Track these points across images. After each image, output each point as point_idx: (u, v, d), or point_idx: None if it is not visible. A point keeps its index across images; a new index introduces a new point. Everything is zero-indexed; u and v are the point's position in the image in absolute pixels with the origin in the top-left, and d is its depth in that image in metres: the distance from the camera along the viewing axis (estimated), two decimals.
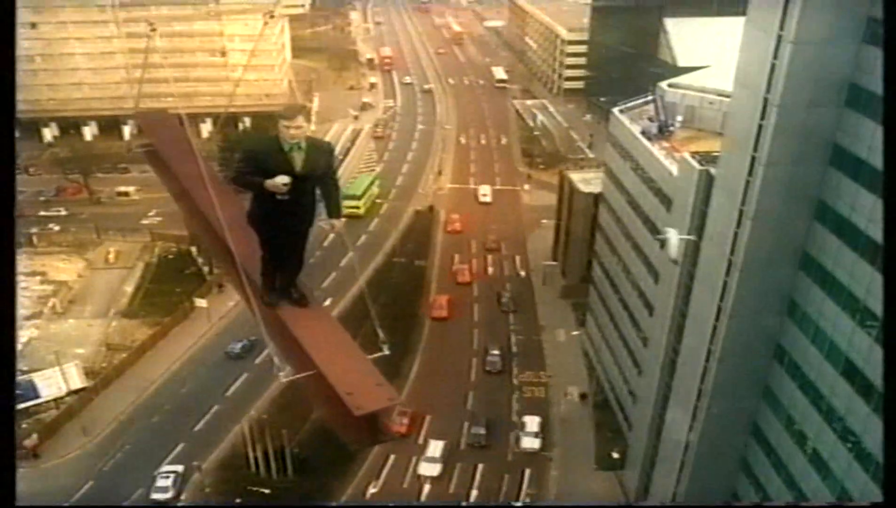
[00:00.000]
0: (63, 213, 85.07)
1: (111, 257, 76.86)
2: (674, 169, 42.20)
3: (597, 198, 60.62)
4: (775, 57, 30.38)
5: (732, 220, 34.07)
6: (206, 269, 73.07)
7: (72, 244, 78.54)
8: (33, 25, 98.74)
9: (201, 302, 66.39)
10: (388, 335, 7.85)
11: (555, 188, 77.40)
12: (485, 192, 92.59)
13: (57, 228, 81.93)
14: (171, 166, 10.02)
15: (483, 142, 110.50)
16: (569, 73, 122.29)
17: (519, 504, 49.89)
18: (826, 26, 29.23)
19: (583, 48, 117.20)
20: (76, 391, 57.02)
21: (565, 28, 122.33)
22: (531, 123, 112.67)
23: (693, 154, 40.28)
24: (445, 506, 49.68)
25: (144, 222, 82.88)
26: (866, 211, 28.36)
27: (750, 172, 32.40)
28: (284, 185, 7.16)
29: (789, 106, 30.36)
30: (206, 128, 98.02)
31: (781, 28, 30.00)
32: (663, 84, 51.00)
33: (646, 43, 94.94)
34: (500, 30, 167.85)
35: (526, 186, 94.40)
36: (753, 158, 32.09)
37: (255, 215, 7.66)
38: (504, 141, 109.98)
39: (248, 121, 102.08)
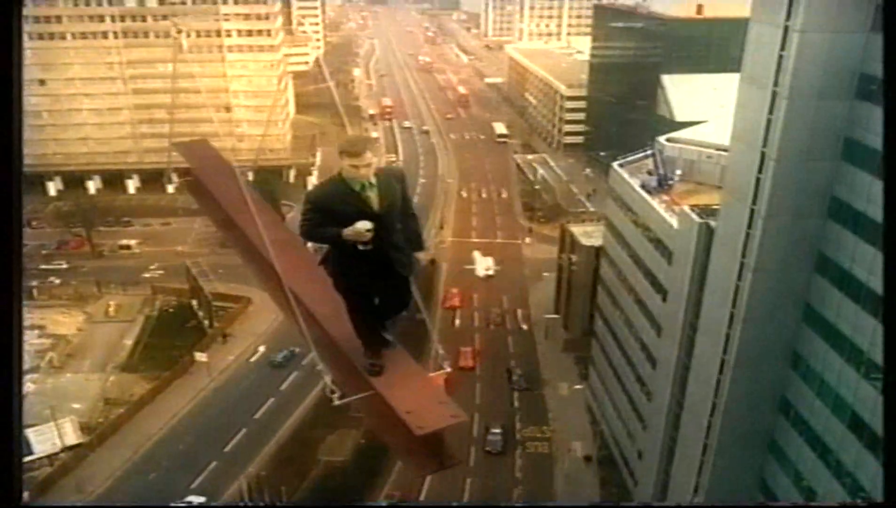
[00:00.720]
0: (64, 266, 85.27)
1: (111, 310, 76.71)
2: (674, 222, 42.41)
3: (598, 251, 60.75)
4: (770, 112, 30.88)
5: (734, 272, 34.12)
6: (206, 322, 72.87)
7: (72, 298, 78.47)
8: (42, 82, 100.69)
9: (201, 356, 65.96)
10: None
11: (556, 241, 77.64)
12: (487, 265, 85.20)
13: (58, 281, 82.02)
14: (214, 194, 9.45)
15: (484, 196, 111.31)
16: (568, 128, 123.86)
17: (519, 504, 48.67)
18: (820, 81, 29.74)
19: (582, 104, 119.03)
20: (71, 447, 56.27)
21: (564, 84, 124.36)
22: (532, 177, 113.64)
23: (693, 207, 40.54)
24: (445, 506, 48.46)
25: (146, 275, 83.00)
26: (867, 263, 28.40)
27: (750, 225, 32.59)
28: (368, 231, 6.03)
29: (786, 159, 30.72)
30: None
31: (776, 82, 30.56)
32: (662, 138, 51.61)
33: (644, 98, 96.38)
34: (500, 86, 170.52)
35: (527, 240, 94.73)
36: (753, 211, 32.32)
37: (337, 275, 6.55)
38: (505, 195, 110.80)
39: (250, 176, 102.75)
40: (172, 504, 48.01)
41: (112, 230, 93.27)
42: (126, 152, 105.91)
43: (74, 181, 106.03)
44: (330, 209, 6.15)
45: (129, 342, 71.33)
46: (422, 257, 6.85)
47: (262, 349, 69.22)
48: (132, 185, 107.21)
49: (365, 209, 6.11)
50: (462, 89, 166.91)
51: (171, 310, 76.98)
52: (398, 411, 6.24)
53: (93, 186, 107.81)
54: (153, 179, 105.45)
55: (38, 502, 50.73)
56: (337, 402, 6.44)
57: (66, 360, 68.45)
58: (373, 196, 6.17)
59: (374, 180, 6.18)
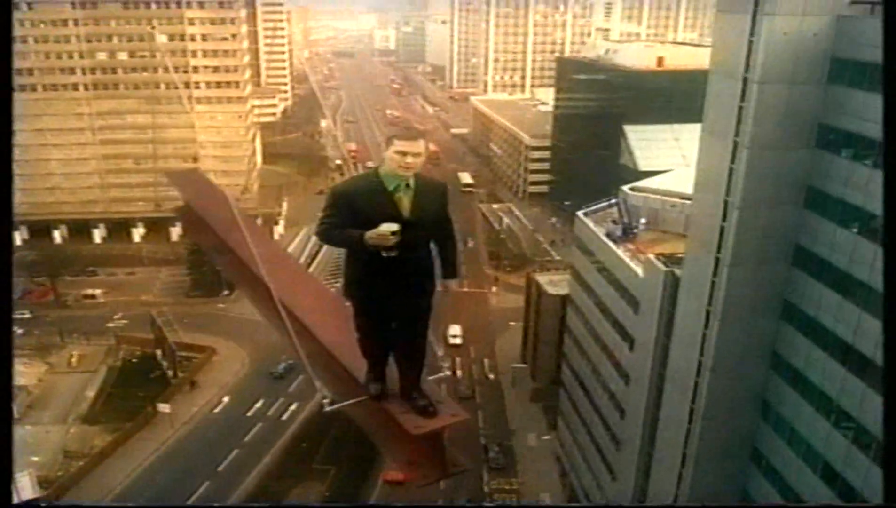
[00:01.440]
0: (27, 316, 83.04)
1: (74, 360, 74.80)
2: (639, 270, 42.73)
3: (564, 300, 60.90)
4: (732, 161, 31.49)
5: (700, 321, 34.33)
6: (170, 373, 71.31)
7: (34, 348, 76.40)
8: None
9: (164, 407, 64.36)
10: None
11: (522, 290, 77.77)
12: (455, 333, 79.64)
13: (20, 331, 79.83)
14: (206, 218, 9.25)
15: None
16: (533, 177, 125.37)
17: (519, 504, 47.63)
18: (779, 131, 30.48)
19: (546, 154, 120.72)
20: (28, 502, 54.02)
21: (529, 135, 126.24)
22: (498, 226, 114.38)
23: (658, 256, 40.93)
24: (446, 506, 47.28)
25: (110, 324, 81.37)
26: (832, 310, 28.79)
27: (715, 273, 32.93)
28: (393, 234, 5.35)
29: (749, 207, 31.25)
30: (176, 232, 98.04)
31: (737, 133, 31.25)
32: (626, 188, 52.33)
33: (607, 148, 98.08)
34: (465, 136, 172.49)
35: (493, 289, 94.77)
36: (718, 259, 32.69)
37: (352, 282, 5.83)
38: (471, 244, 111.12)
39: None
40: (172, 504, 46.45)
41: (77, 280, 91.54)
42: (93, 202, 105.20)
43: (40, 230, 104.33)
44: (355, 208, 5.48)
45: (91, 394, 69.42)
46: (453, 285, 6.17)
47: (226, 399, 67.85)
48: (98, 234, 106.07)
49: (394, 213, 5.45)
50: (431, 145, 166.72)
51: (134, 360, 75.32)
52: (393, 412, 5.83)
53: (59, 235, 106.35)
54: (120, 228, 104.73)
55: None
56: (328, 408, 6.07)
57: (26, 412, 66.38)
58: (406, 200, 5.53)
59: (411, 183, 5.56)
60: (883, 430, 3.27)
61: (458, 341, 79.03)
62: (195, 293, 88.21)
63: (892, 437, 3.21)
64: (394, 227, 5.35)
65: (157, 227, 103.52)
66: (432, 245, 5.93)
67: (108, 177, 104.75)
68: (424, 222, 5.63)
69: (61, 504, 45.09)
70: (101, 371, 73.02)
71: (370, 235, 5.34)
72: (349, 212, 5.48)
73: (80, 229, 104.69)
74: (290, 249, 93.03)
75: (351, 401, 6.09)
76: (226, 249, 8.60)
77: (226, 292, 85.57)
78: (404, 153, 5.44)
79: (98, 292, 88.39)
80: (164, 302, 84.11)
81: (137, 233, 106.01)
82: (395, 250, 5.45)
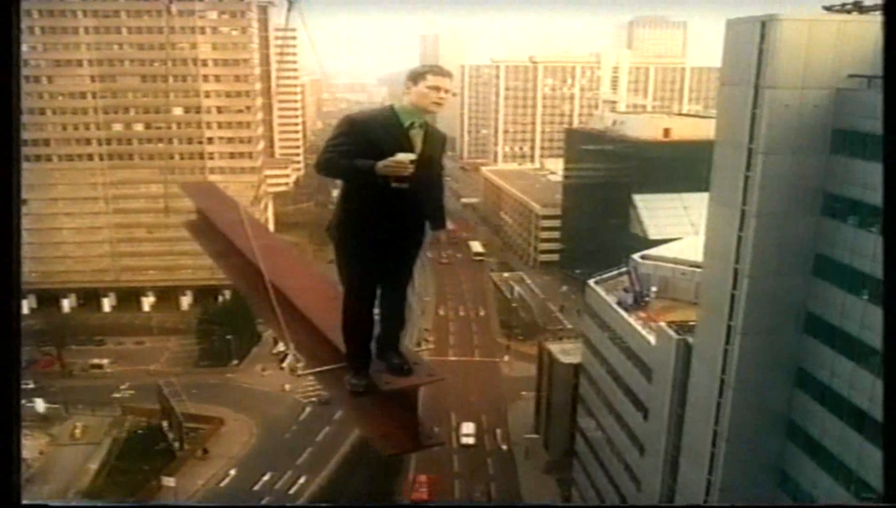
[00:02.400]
0: (31, 386, 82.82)
1: (77, 432, 74.00)
2: (652, 339, 42.47)
3: (577, 369, 60.35)
4: (741, 229, 31.66)
5: (714, 389, 33.94)
6: (176, 444, 70.46)
7: (36, 419, 75.78)
8: (24, 202, 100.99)
9: (169, 481, 63.31)
10: None
11: (534, 359, 77.09)
12: (467, 431, 72.28)
13: (23, 401, 79.38)
14: (215, 222, 9.35)
15: (462, 313, 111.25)
16: (544, 246, 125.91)
17: (519, 504, 45.84)
18: (786, 200, 30.72)
19: (556, 222, 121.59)
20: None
21: (539, 204, 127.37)
22: (509, 295, 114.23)
23: (670, 324, 40.75)
24: (446, 506, 45.53)
25: (116, 395, 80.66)
26: (846, 377, 28.45)
27: (727, 341, 32.71)
28: (412, 162, 5.23)
29: (759, 275, 31.26)
30: (187, 301, 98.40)
31: (744, 201, 31.51)
32: (636, 256, 52.47)
33: (617, 217, 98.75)
34: (476, 205, 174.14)
35: (505, 358, 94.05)
36: (730, 327, 32.52)
37: (348, 220, 5.62)
38: (482, 313, 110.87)
39: (227, 294, 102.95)
40: (172, 504, 45.25)
41: (84, 349, 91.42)
42: (103, 271, 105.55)
43: (49, 299, 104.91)
44: (369, 138, 5.33)
45: (94, 466, 68.41)
46: (443, 236, 6.08)
47: (233, 472, 66.83)
48: (108, 303, 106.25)
49: (407, 148, 5.32)
50: (449, 224, 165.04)
51: (140, 432, 74.45)
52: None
53: (67, 303, 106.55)
54: (130, 297, 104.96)
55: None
56: (300, 373, 5.78)
57: (25, 485, 64.87)
58: (418, 139, 5.45)
59: (423, 124, 5.51)
60: (883, 430, 3.30)
61: (470, 440, 71.77)
62: (204, 363, 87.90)
63: (893, 437, 3.23)
64: (412, 156, 5.27)
65: (167, 296, 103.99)
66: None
67: (119, 246, 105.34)
68: (431, 163, 5.58)
69: (61, 505, 44.28)
70: (105, 443, 72.05)
71: (387, 162, 5.16)
72: (362, 141, 5.32)
73: (89, 297, 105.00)
74: None
75: (323, 368, 5.93)
76: (233, 251, 8.63)
77: (234, 362, 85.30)
78: (438, 88, 5.40)
79: (105, 361, 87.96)
80: (172, 372, 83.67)
81: (147, 302, 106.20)
82: (406, 182, 5.29)
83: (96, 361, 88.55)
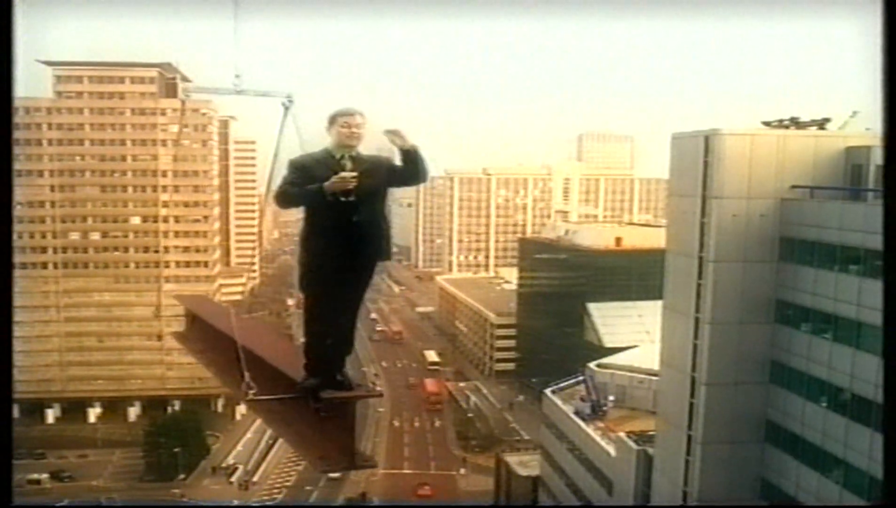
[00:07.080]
0: None
1: None
2: (611, 450, 41.62)
3: (535, 482, 58.67)
4: (696, 337, 31.70)
5: (677, 501, 33.03)
6: None
7: None
8: None
9: None
10: None
11: (491, 472, 74.98)
12: None
13: None
14: (210, 322, 9.62)
15: (417, 425, 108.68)
16: (499, 355, 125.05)
17: (519, 504, 42.28)
18: (739, 308, 30.99)
19: (512, 331, 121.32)
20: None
21: (494, 313, 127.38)
22: (465, 405, 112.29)
23: (629, 434, 40.08)
24: (446, 506, 41.93)
25: None
26: (812, 489, 27.96)
27: (688, 452, 32.12)
28: (353, 178, 6.01)
29: (717, 384, 31.08)
30: (135, 411, 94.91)
31: (697, 309, 31.70)
32: (592, 364, 52.19)
33: (571, 326, 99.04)
34: (430, 315, 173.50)
35: (462, 471, 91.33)
36: (690, 437, 32.00)
37: (310, 236, 6.46)
38: (438, 423, 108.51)
39: (177, 404, 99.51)
40: (172, 504, 41.37)
41: (22, 463, 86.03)
42: (49, 381, 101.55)
43: None
44: (310, 173, 6.23)
45: None
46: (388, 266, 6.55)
47: None
48: (52, 414, 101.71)
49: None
50: (395, 326, 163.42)
51: None
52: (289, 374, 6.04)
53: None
54: (75, 408, 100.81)
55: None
56: (251, 398, 6.55)
57: None
58: (349, 164, 6.25)
59: (355, 155, 6.34)
60: (883, 430, 3.04)
61: None
62: (149, 478, 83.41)
63: (893, 437, 3.00)
64: (351, 173, 6.05)
65: (114, 406, 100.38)
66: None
67: (68, 355, 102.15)
68: (368, 184, 6.25)
69: (61, 505, 40.88)
70: None
71: (332, 179, 6.02)
72: (305, 176, 6.26)
73: (32, 409, 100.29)
74: (249, 435, 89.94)
75: (270, 397, 6.46)
76: (224, 348, 8.69)
77: (181, 476, 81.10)
78: (348, 125, 6.29)
79: (44, 476, 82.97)
80: (115, 488, 79.19)
81: (94, 413, 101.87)
82: (352, 195, 6.11)
83: (34, 476, 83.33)
